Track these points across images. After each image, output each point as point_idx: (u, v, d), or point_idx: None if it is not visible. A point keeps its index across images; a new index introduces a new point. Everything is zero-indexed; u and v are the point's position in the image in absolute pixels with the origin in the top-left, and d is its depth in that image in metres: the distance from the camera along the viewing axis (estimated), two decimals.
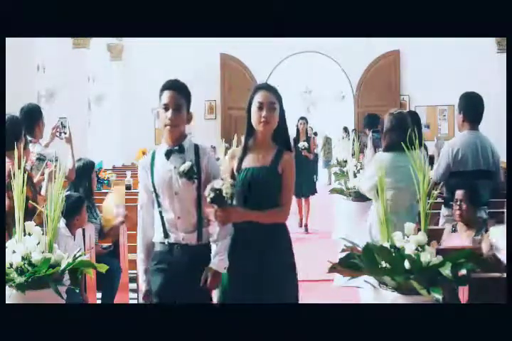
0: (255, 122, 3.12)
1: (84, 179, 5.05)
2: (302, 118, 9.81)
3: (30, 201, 3.33)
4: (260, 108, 3.11)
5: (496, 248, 3.12)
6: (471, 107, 4.59)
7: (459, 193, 4.25)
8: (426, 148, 5.19)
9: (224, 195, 2.80)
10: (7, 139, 3.56)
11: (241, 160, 3.16)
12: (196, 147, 3.06)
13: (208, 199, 2.83)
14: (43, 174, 4.29)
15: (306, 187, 9.25)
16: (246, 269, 3.02)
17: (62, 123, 5.03)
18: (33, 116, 4.77)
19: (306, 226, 9.48)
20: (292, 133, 9.22)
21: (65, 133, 4.99)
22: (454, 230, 4.29)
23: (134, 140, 13.48)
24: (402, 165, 4.03)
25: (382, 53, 13.76)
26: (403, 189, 4.12)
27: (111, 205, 5.04)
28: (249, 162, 3.16)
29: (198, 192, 2.99)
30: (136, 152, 12.76)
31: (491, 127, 11.66)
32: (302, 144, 9.30)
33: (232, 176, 3.17)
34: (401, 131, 4.23)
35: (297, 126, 9.55)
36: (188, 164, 2.96)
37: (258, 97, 3.12)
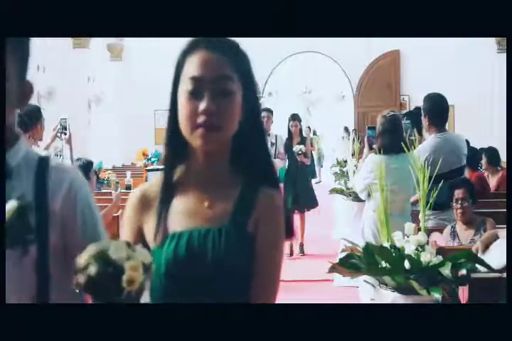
0: (188, 125, 1.41)
1: None
2: (294, 117, 7.65)
3: None
4: (193, 95, 1.42)
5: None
6: (435, 110, 4.52)
7: (459, 192, 4.22)
8: None
9: (124, 284, 1.15)
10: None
11: (162, 213, 1.42)
12: (42, 163, 1.36)
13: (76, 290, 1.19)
14: None
15: (304, 200, 7.55)
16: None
17: (61, 124, 5.03)
18: (32, 117, 4.76)
19: (301, 246, 7.66)
20: (284, 135, 7.82)
21: (65, 134, 5.01)
22: (453, 230, 4.28)
23: (134, 140, 13.47)
24: (395, 167, 4.05)
25: (382, 53, 13.76)
26: (396, 191, 4.12)
27: None
28: (183, 218, 1.42)
29: (40, 270, 1.38)
30: (137, 153, 12.78)
31: (491, 127, 11.79)
32: (299, 148, 7.40)
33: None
34: (393, 134, 4.25)
35: (289, 127, 7.62)
36: (12, 206, 1.24)
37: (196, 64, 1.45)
